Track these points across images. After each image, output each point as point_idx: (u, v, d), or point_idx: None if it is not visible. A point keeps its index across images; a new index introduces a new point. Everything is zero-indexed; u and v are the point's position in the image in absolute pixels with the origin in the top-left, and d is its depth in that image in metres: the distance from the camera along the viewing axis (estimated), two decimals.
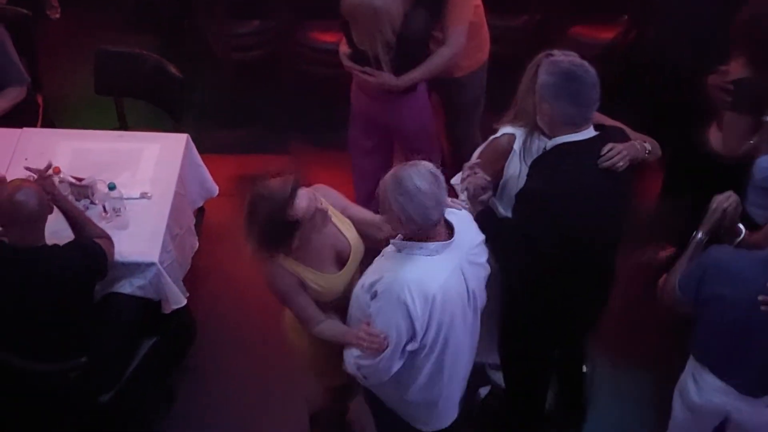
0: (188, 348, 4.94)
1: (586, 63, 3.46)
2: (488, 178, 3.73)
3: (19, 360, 3.90)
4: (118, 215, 4.41)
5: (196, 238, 4.97)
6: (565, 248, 3.52)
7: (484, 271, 3.46)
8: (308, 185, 3.44)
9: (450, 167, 4.40)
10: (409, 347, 3.30)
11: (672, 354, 4.62)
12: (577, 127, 3.51)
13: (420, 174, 3.15)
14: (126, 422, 4.44)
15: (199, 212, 5.46)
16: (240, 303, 5.16)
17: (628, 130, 3.72)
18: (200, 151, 5.03)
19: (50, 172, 4.13)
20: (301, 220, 3.29)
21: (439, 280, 3.23)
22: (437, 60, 4.64)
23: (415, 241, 3.24)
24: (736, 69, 4.19)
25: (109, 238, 4.11)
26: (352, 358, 3.39)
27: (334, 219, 3.54)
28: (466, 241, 3.33)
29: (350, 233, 3.61)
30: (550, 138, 3.57)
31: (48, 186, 3.98)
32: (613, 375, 4.84)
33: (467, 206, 3.54)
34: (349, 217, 3.66)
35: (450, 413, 3.69)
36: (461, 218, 3.38)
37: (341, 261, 3.59)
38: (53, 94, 5.82)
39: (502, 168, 3.80)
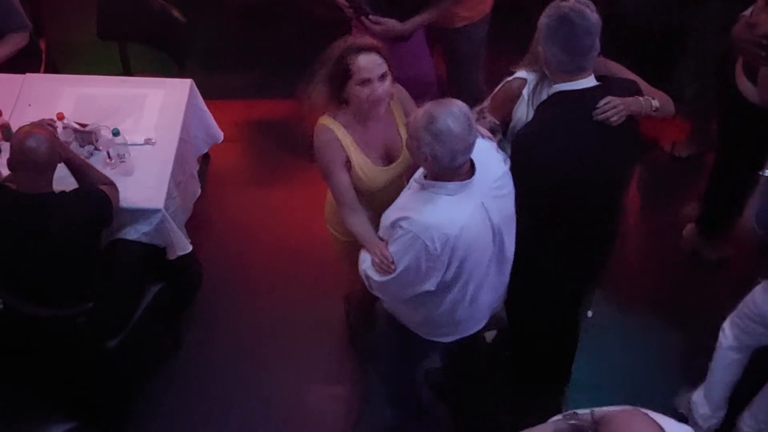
0: (194, 294, 4.95)
1: (588, 9, 3.38)
2: (497, 122, 3.72)
3: (27, 305, 3.91)
4: (122, 161, 4.39)
5: (199, 184, 4.96)
6: (557, 192, 3.52)
7: (510, 200, 3.42)
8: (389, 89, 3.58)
9: None
10: (426, 286, 3.34)
11: (679, 299, 4.67)
12: (570, 75, 3.47)
13: (453, 115, 3.10)
14: (133, 368, 4.46)
15: (204, 158, 5.45)
16: (245, 249, 5.17)
17: (643, 85, 3.67)
18: (204, 97, 5.00)
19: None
20: (355, 76, 3.47)
21: (460, 220, 3.23)
22: (441, 5, 4.60)
23: (438, 180, 3.23)
24: (765, 18, 4.02)
25: (113, 185, 4.11)
26: (364, 264, 3.46)
27: (397, 119, 3.66)
28: (488, 175, 3.30)
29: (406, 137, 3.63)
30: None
31: None
32: (620, 320, 4.84)
33: (489, 136, 3.50)
34: None
35: (471, 328, 3.72)
36: (483, 150, 3.32)
37: (390, 159, 3.68)
38: (56, 40, 5.77)
39: (510, 111, 3.77)
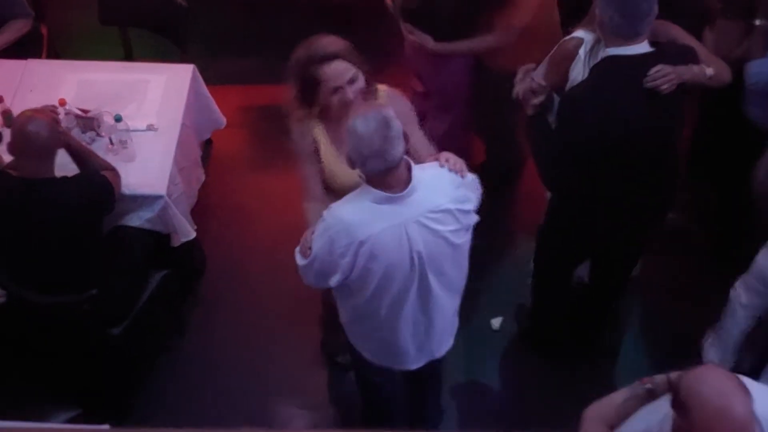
0: (198, 280, 4.96)
1: None
2: (543, 83, 3.73)
3: (31, 293, 3.90)
4: (124, 147, 4.38)
5: (203, 170, 4.96)
6: (598, 154, 3.55)
7: (444, 242, 3.30)
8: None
9: None
10: (333, 281, 3.33)
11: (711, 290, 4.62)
12: (625, 40, 3.46)
13: (365, 118, 3.08)
14: (137, 354, 4.47)
15: (207, 144, 5.44)
16: (248, 234, 5.16)
17: (701, 51, 3.65)
18: (207, 82, 4.99)
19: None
20: (324, 85, 3.47)
21: (372, 229, 3.19)
22: (477, 44, 4.54)
23: (367, 184, 3.20)
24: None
25: (115, 171, 4.10)
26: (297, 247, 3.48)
27: None
28: (425, 202, 3.22)
29: None
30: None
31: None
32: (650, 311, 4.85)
33: (459, 171, 3.37)
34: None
35: (400, 362, 3.70)
36: (434, 177, 3.29)
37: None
38: (58, 25, 5.75)
39: (566, 70, 3.75)
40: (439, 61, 4.65)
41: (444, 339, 3.70)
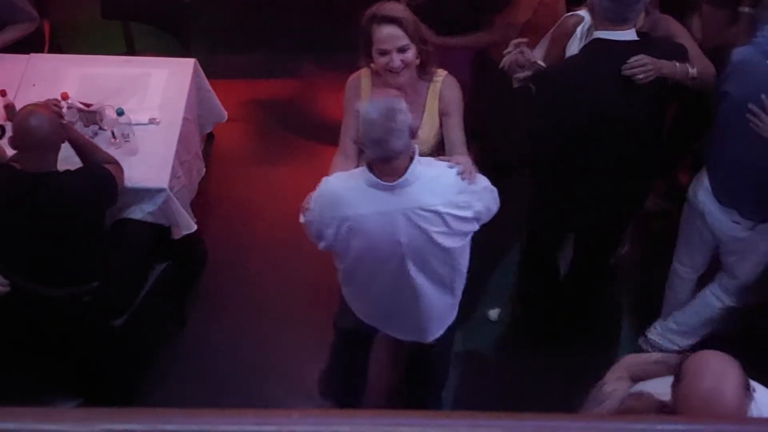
0: (199, 273, 4.97)
1: None
2: (532, 59, 3.77)
3: (33, 285, 3.92)
4: (127, 141, 4.40)
5: (203, 163, 4.97)
6: (567, 133, 3.63)
7: (430, 241, 3.32)
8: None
9: None
10: (321, 245, 3.44)
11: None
12: (612, 24, 3.52)
13: (373, 105, 3.16)
14: (139, 346, 4.49)
15: (209, 138, 5.46)
16: (249, 227, 5.18)
17: (694, 52, 3.70)
18: (208, 76, 5.00)
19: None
20: (375, 45, 3.55)
21: (358, 209, 3.27)
22: (476, 40, 4.59)
23: (367, 166, 3.27)
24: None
25: (118, 164, 4.11)
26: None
27: (427, 102, 3.69)
28: (416, 197, 3.26)
29: (425, 132, 3.68)
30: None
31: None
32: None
33: (461, 168, 3.39)
34: (444, 126, 3.71)
35: (393, 328, 3.80)
36: (434, 178, 3.31)
37: None
38: (60, 20, 5.76)
39: (564, 47, 3.84)
40: (440, 54, 4.67)
41: (431, 327, 3.72)
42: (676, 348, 4.38)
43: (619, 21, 3.51)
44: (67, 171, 3.89)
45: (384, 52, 3.55)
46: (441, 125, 3.72)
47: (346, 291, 3.74)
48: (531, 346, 4.67)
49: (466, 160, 3.41)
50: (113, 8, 5.38)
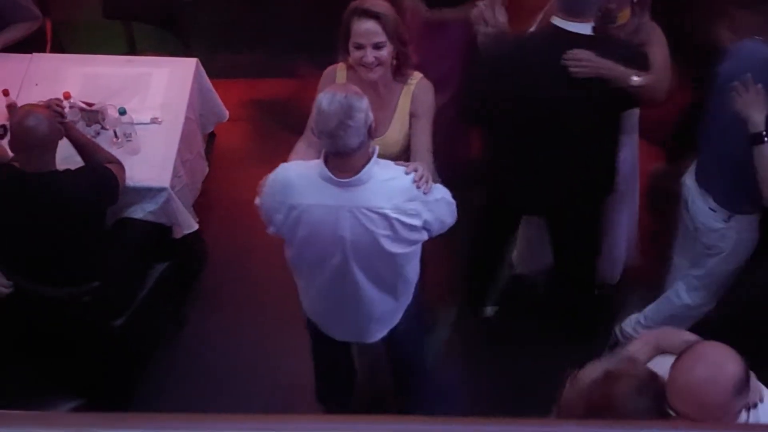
0: (200, 273, 4.98)
1: None
2: (499, 18, 3.82)
3: (33, 284, 3.94)
4: (128, 140, 4.41)
5: (206, 163, 4.98)
6: (501, 105, 3.68)
7: (375, 242, 3.29)
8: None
9: None
10: (269, 229, 3.46)
11: None
12: (564, 13, 3.56)
13: (332, 97, 3.12)
14: (139, 346, 4.50)
15: (210, 137, 5.46)
16: (251, 227, 5.14)
17: (657, 66, 3.70)
18: (210, 76, 5.01)
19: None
20: (351, 38, 3.54)
21: (306, 199, 3.28)
22: (465, 11, 4.50)
23: (324, 159, 3.25)
24: None
25: (119, 164, 4.13)
26: None
27: (398, 104, 3.68)
28: (365, 197, 3.23)
29: (394, 133, 3.68)
30: None
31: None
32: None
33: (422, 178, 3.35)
34: (412, 128, 3.70)
35: (332, 328, 3.79)
36: (387, 181, 3.26)
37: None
38: (62, 19, 5.76)
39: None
40: (433, 33, 4.67)
41: (371, 328, 3.72)
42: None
43: (567, 11, 3.55)
44: (68, 170, 3.90)
45: (359, 47, 3.54)
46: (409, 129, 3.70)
47: (298, 285, 3.73)
48: (521, 345, 4.67)
49: (421, 166, 3.37)
50: (115, 8, 5.40)
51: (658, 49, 3.79)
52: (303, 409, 4.43)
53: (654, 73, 3.68)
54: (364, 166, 3.20)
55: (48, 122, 3.78)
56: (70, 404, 3.96)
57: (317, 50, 6.08)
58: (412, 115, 3.70)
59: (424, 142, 3.66)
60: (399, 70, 3.67)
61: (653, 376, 2.61)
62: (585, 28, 3.57)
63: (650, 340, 3.00)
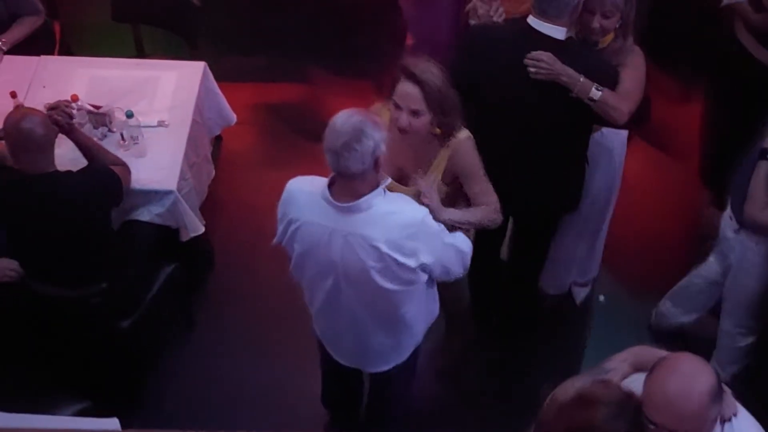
0: (206, 275, 4.99)
1: None
2: (490, 15, 3.86)
3: (40, 286, 3.94)
4: (135, 143, 4.42)
5: (213, 166, 4.99)
6: (470, 93, 3.65)
7: (366, 271, 3.20)
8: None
9: None
10: (274, 240, 3.45)
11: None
12: (537, 14, 3.55)
13: (347, 118, 3.07)
14: (145, 348, 4.51)
15: (217, 140, 5.48)
16: (257, 231, 5.16)
17: (625, 88, 3.68)
18: (217, 79, 5.02)
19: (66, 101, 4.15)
20: (394, 94, 3.42)
21: (304, 215, 3.24)
22: None
23: (330, 179, 3.20)
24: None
25: (125, 166, 4.13)
26: None
27: (433, 164, 3.57)
28: (360, 226, 3.15)
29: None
30: None
31: (60, 117, 3.99)
32: (628, 306, 4.89)
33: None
34: (465, 189, 3.62)
35: (333, 348, 3.75)
36: (387, 214, 3.16)
37: (397, 178, 3.57)
38: (70, 22, 5.80)
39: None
40: (423, 4, 4.68)
41: (368, 359, 3.67)
42: (677, 322, 4.47)
43: (542, 13, 3.53)
44: (69, 172, 3.90)
45: (397, 106, 3.43)
46: (446, 186, 3.62)
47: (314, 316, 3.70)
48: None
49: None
50: (124, 11, 5.41)
51: (631, 73, 3.74)
52: (308, 412, 4.43)
53: (618, 93, 3.66)
54: (366, 194, 3.13)
55: (43, 124, 3.78)
56: (76, 406, 3.95)
57: (325, 55, 6.16)
58: (459, 177, 3.60)
59: (478, 200, 3.59)
60: (441, 136, 3.54)
61: (628, 396, 2.60)
62: (557, 32, 3.55)
63: (627, 358, 2.98)
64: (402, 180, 3.59)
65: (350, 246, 3.18)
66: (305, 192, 3.27)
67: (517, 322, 4.71)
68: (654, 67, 4.03)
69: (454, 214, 3.46)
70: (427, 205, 3.30)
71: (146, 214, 4.36)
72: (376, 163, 3.08)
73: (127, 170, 4.12)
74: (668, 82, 5.65)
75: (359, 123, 3.04)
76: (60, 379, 4.08)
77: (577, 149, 3.93)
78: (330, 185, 3.19)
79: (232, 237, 5.16)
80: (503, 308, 4.75)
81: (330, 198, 3.16)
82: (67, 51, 5.45)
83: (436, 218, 3.28)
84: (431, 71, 3.38)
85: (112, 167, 4.02)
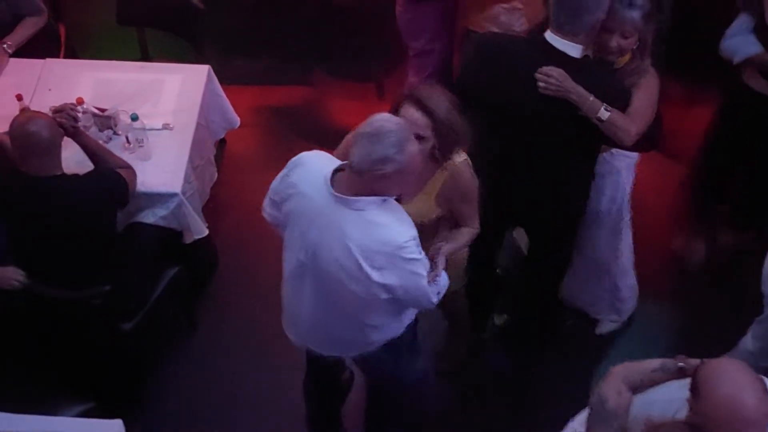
0: (210, 278, 5.00)
1: None
2: (515, 28, 3.90)
3: (43, 287, 3.95)
4: (140, 146, 4.44)
5: (216, 168, 5.00)
6: (479, 101, 3.65)
7: (336, 263, 3.21)
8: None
9: None
10: (266, 201, 3.49)
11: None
12: (554, 28, 3.51)
13: (399, 123, 3.09)
14: (148, 350, 4.52)
15: (221, 143, 5.48)
16: (261, 233, 5.13)
17: (636, 111, 3.63)
18: (221, 82, 5.03)
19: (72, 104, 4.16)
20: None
21: (304, 185, 3.25)
22: None
23: (338, 167, 3.22)
24: None
25: (131, 168, 4.14)
26: None
27: (430, 185, 3.55)
28: (343, 221, 3.16)
29: (414, 207, 3.52)
30: None
31: (65, 120, 4.00)
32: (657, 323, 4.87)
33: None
34: (455, 214, 3.62)
35: (289, 327, 3.73)
36: (376, 220, 3.14)
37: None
38: (75, 25, 5.80)
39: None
40: (411, 6, 4.70)
41: (328, 343, 3.66)
42: None
43: (558, 28, 3.49)
44: (75, 175, 3.92)
45: None
46: (437, 208, 3.60)
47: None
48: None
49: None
50: (129, 14, 5.42)
51: (644, 94, 3.71)
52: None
53: (627, 114, 3.62)
54: (364, 195, 3.13)
55: (49, 127, 3.80)
56: (79, 407, 3.96)
57: (328, 58, 6.17)
58: (450, 202, 3.59)
59: (465, 217, 3.61)
60: (435, 157, 3.49)
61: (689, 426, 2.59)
62: (573, 49, 3.51)
63: (620, 388, 2.87)
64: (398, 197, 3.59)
65: (328, 233, 3.19)
66: (316, 167, 3.26)
67: (530, 333, 4.69)
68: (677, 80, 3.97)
69: (449, 247, 3.49)
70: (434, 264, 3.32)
71: (150, 217, 4.38)
72: (382, 178, 3.08)
73: (132, 173, 4.13)
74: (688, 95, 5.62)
75: (400, 132, 3.05)
76: (63, 381, 4.09)
77: (583, 165, 3.90)
78: (337, 171, 3.19)
79: (235, 239, 5.17)
80: (519, 318, 4.72)
81: (329, 182, 3.16)
82: (72, 54, 5.45)
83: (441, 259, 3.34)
84: (438, 96, 3.36)
85: (118, 170, 4.04)
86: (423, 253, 3.27)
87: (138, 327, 4.24)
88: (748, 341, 3.81)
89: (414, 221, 3.29)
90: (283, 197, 3.36)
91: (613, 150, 4.01)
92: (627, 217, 4.41)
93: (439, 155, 3.46)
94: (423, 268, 3.26)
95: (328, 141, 5.53)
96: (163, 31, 5.50)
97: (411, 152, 3.08)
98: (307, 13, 6.35)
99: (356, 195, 3.13)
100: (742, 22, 4.27)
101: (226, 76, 5.17)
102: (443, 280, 3.42)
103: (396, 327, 3.57)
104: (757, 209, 4.88)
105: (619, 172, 4.19)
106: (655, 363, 2.91)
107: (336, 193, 3.15)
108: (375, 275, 3.18)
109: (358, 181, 3.11)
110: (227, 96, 5.08)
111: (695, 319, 4.76)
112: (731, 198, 4.95)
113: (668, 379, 2.87)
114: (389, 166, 3.03)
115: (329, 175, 3.18)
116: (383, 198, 3.17)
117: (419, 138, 3.29)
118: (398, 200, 3.51)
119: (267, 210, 3.51)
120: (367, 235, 3.14)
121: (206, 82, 4.85)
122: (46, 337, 4.08)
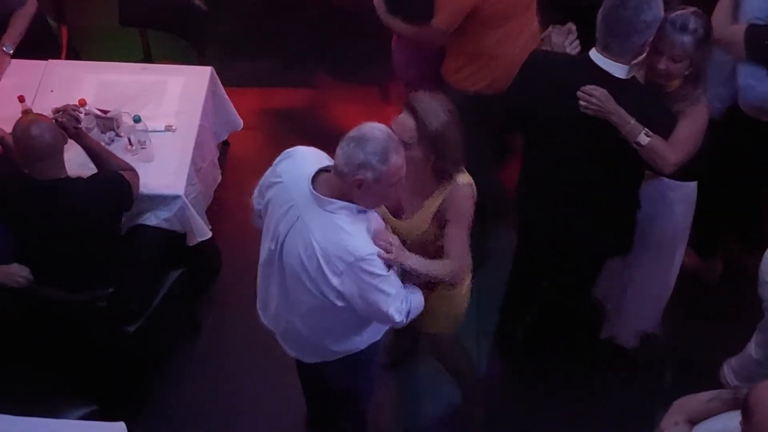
0: (213, 280, 5.00)
1: (646, 6, 3.34)
2: (567, 50, 3.77)
3: (47, 289, 3.94)
4: (143, 148, 4.43)
5: (219, 170, 5.00)
6: (526, 123, 3.69)
7: (300, 262, 3.22)
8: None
9: None
10: (254, 191, 3.53)
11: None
12: (602, 49, 3.45)
13: (387, 132, 3.07)
14: (152, 352, 4.51)
15: (224, 145, 5.48)
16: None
17: (679, 138, 3.54)
18: (224, 84, 5.03)
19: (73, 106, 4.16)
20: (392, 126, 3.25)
21: (288, 175, 3.27)
22: (404, 28, 4.53)
23: (323, 168, 3.22)
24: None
25: (133, 170, 4.14)
26: None
27: (426, 202, 3.50)
28: (314, 220, 3.16)
29: (413, 225, 3.52)
30: None
31: (67, 121, 4.00)
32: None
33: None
34: (445, 232, 3.50)
35: (262, 315, 3.77)
36: (344, 228, 3.13)
37: (392, 212, 3.56)
38: (78, 26, 5.80)
39: None
40: (402, 43, 4.68)
41: (291, 341, 3.69)
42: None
43: (603, 46, 3.43)
44: (80, 177, 3.92)
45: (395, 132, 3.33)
46: (432, 228, 3.53)
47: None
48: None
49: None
50: (131, 15, 5.42)
51: (690, 123, 3.60)
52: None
53: (670, 142, 3.53)
54: (338, 198, 3.12)
55: (52, 130, 3.80)
56: (82, 410, 3.96)
57: (331, 60, 6.17)
58: (446, 219, 3.50)
59: (450, 248, 3.46)
60: (436, 173, 3.43)
61: None
62: (618, 69, 3.45)
63: (679, 419, 2.97)
64: (397, 212, 3.57)
65: (297, 228, 3.20)
66: (304, 160, 3.28)
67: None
68: None
69: (418, 263, 3.33)
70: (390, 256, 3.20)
71: (153, 219, 4.37)
72: (360, 185, 3.06)
73: (135, 175, 4.13)
74: None
75: (389, 141, 3.04)
76: (66, 383, 4.09)
77: (624, 190, 3.81)
78: (324, 170, 3.20)
79: (238, 241, 5.15)
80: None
81: (311, 179, 3.17)
82: (74, 55, 5.46)
83: (396, 260, 3.22)
84: (435, 111, 3.30)
85: (122, 172, 4.03)
86: (392, 270, 3.23)
87: (141, 329, 4.24)
88: (751, 349, 3.77)
89: (406, 236, 3.36)
90: (267, 185, 3.39)
91: (663, 178, 3.87)
92: (679, 250, 4.30)
93: (439, 171, 3.42)
94: (388, 285, 3.21)
95: (330, 143, 5.53)
96: (165, 32, 5.50)
97: (394, 164, 3.05)
98: (310, 15, 6.36)
99: (333, 197, 3.13)
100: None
101: (228, 78, 5.16)
102: (415, 299, 3.37)
103: (356, 341, 3.53)
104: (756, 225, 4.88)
105: (671, 203, 4.07)
106: (709, 394, 2.99)
107: (313, 191, 3.16)
108: (334, 280, 3.17)
109: (338, 183, 3.11)
110: (230, 98, 5.09)
111: (708, 327, 4.72)
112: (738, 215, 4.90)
113: (725, 410, 2.92)
114: (369, 173, 3.03)
115: (313, 172, 3.19)
116: (362, 209, 3.16)
117: (406, 145, 3.22)
118: (398, 216, 3.53)
119: (255, 197, 3.55)
120: (329, 238, 3.13)
121: (209, 83, 4.85)
122: (49, 339, 4.08)
